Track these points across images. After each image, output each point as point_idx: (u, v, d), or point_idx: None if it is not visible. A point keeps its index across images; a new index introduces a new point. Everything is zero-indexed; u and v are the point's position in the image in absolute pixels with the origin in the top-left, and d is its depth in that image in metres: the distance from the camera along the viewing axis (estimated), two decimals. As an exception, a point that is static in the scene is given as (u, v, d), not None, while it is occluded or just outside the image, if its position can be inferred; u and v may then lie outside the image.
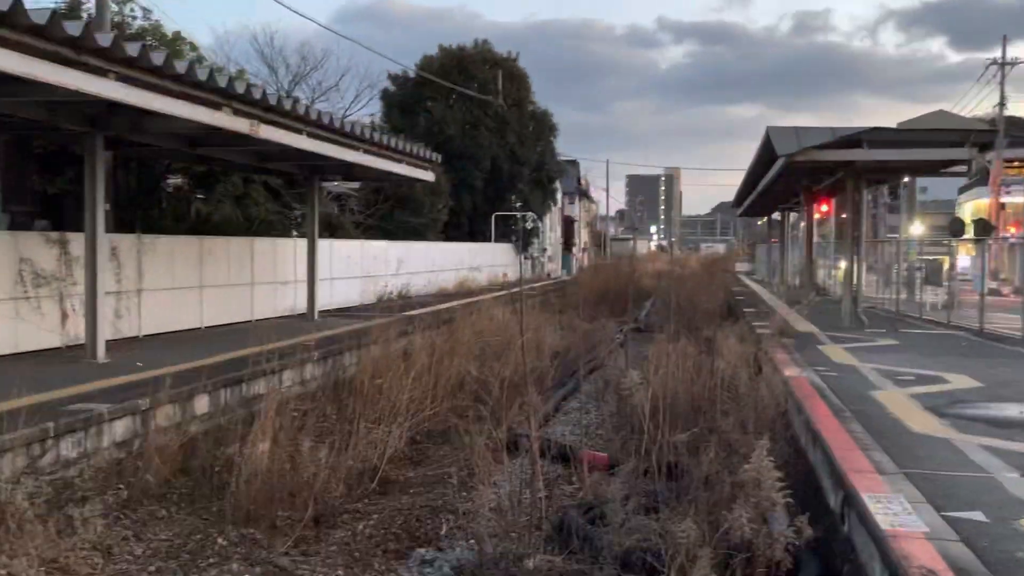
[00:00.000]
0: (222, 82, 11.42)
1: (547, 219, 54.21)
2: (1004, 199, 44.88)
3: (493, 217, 42.83)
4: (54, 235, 13.56)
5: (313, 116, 14.17)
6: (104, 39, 9.37)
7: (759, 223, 75.78)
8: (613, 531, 6.86)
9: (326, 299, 21.60)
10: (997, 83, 45.52)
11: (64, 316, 13.40)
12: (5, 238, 12.93)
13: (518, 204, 43.94)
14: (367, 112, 50.19)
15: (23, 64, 8.49)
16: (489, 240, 42.33)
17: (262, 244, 19.68)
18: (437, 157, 21.21)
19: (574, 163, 69.11)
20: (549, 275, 54.28)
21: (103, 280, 12.65)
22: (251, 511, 8.02)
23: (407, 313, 20.06)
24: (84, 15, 18.01)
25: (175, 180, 21.71)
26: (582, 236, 75.68)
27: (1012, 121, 44.93)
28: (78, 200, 13.68)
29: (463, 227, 41.39)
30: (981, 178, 46.29)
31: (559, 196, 58.99)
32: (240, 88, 11.86)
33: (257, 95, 12.32)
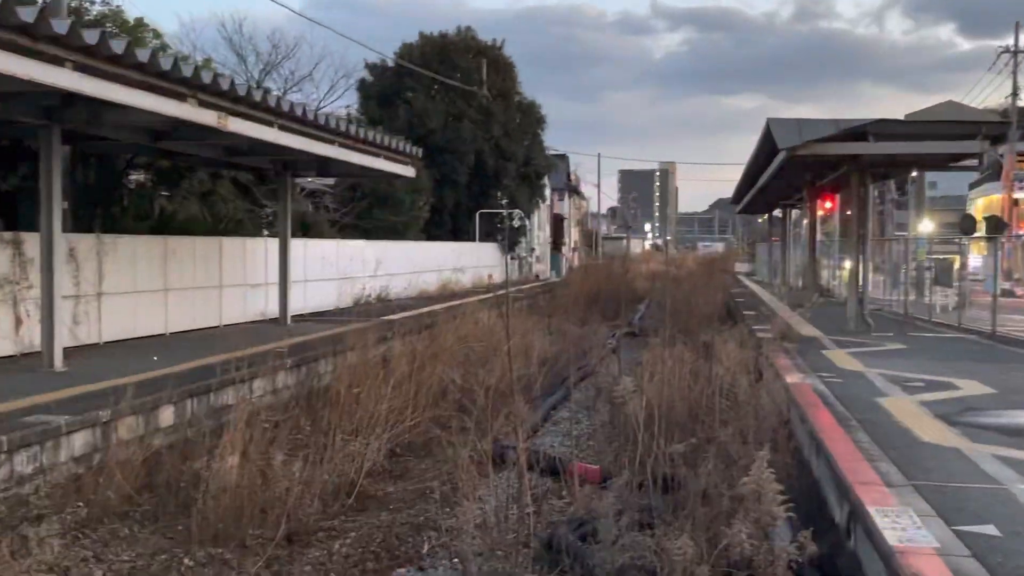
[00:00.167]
0: (187, 72, 11.38)
1: (535, 217, 54.25)
2: (1017, 195, 45.17)
3: (477, 215, 42.82)
4: (7, 235, 13.48)
5: (285, 108, 14.15)
6: (60, 26, 9.32)
7: (759, 220, 76.06)
8: (605, 548, 6.86)
9: (300, 302, 21.55)
10: (1009, 72, 45.83)
11: (18, 322, 13.32)
12: (-45, 238, 12.85)
13: (504, 201, 43.90)
14: (343, 103, 50.26)
15: (-27, 53, 8.45)
16: (473, 239, 42.32)
17: (231, 244, 19.62)
18: (418, 151, 21.20)
19: (563, 157, 69.21)
20: (537, 276, 54.32)
21: (60, 283, 12.57)
22: (220, 529, 7.99)
23: (386, 317, 20.06)
24: (39, 0, 17.92)
25: (137, 176, 21.62)
26: (572, 235, 75.78)
27: (1025, 112, 45.21)
28: (33, 198, 13.59)
29: (446, 225, 41.35)
30: (993, 173, 46.64)
31: (548, 192, 59.05)
32: (207, 78, 11.83)
33: (225, 85, 12.29)
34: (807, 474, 8.59)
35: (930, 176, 58.79)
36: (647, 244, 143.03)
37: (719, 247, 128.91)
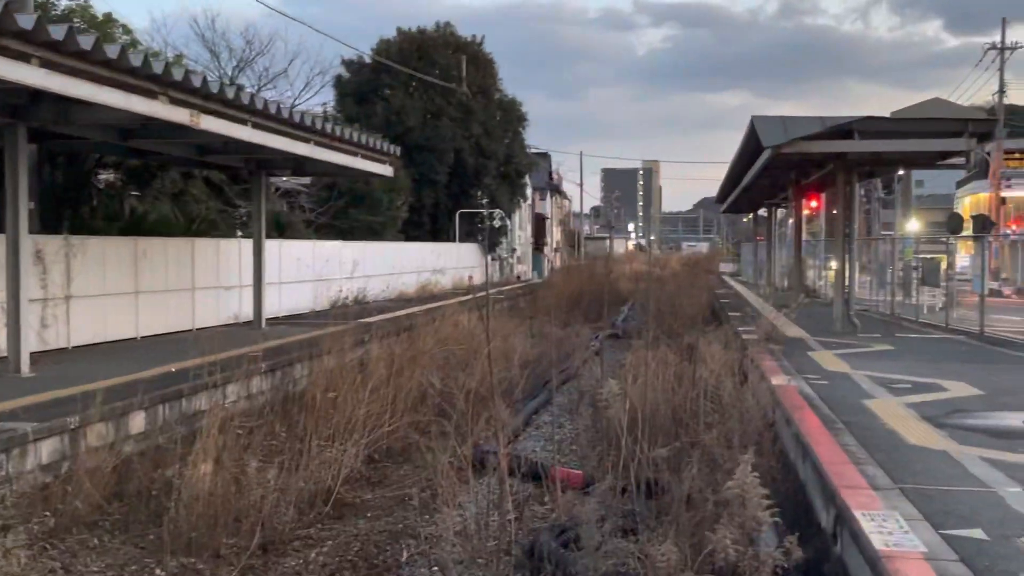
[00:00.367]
0: (158, 68, 11.32)
1: (516, 217, 54.29)
2: (1004, 193, 45.60)
3: (457, 215, 42.80)
4: (-28, 237, 13.37)
5: (259, 105, 14.09)
6: (26, 21, 9.25)
7: (744, 220, 76.37)
8: (588, 555, 6.87)
9: (274, 305, 21.47)
10: (996, 69, 46.23)
11: (-16, 326, 13.21)
12: (-83, 240, 12.72)
13: (484, 201, 43.93)
14: (319, 101, 50.15)
15: (-65, 48, 8.37)
16: (453, 240, 42.30)
17: (203, 245, 19.52)
18: (396, 150, 21.17)
19: (545, 156, 69.28)
20: (519, 277, 54.36)
21: (26, 286, 12.48)
22: (192, 538, 7.95)
23: (364, 320, 20.01)
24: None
25: (107, 176, 21.49)
26: (554, 235, 75.85)
27: (1012, 109, 45.67)
28: (-1, 198, 13.48)
29: (424, 226, 41.31)
30: (980, 171, 47.03)
31: (529, 192, 59.09)
32: (178, 75, 11.76)
33: (197, 82, 12.23)
34: (793, 478, 8.62)
35: (917, 174, 59.23)
36: (630, 244, 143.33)
37: (703, 247, 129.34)
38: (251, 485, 8.55)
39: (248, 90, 21.38)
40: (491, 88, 45.10)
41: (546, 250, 67.50)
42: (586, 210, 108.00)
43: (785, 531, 6.64)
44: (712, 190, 55.83)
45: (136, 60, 10.86)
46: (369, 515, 9.61)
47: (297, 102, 35.76)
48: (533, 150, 54.21)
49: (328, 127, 17.24)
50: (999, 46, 46.29)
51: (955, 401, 10.80)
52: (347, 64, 41.91)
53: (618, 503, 8.33)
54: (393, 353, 14.11)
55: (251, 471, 8.70)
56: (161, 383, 11.42)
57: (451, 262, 39.46)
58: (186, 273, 18.50)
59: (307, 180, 29.46)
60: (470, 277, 39.57)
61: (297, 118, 15.73)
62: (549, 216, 71.62)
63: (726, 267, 66.95)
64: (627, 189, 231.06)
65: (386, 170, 20.90)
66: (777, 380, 11.99)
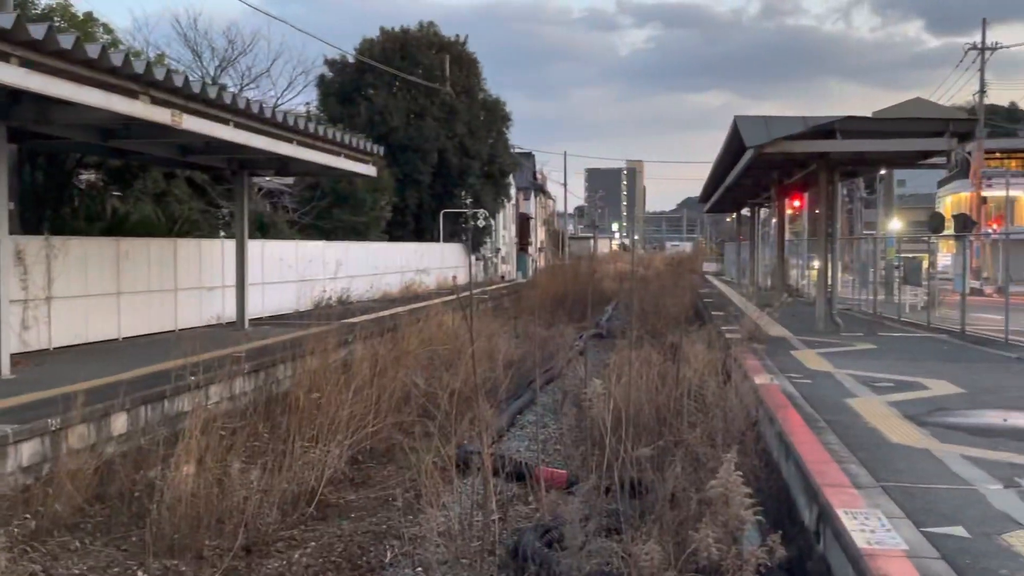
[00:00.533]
0: (139, 68, 11.26)
1: (500, 217, 54.28)
2: (985, 192, 45.87)
3: (441, 215, 42.76)
4: (-49, 238, 13.26)
5: (241, 105, 14.04)
6: (5, 20, 9.20)
7: (728, 219, 76.63)
8: (572, 555, 6.87)
9: (257, 306, 21.40)
10: (977, 69, 46.52)
11: (-37, 327, 13.11)
12: None
13: (468, 201, 43.92)
14: (302, 100, 50.00)
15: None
16: (437, 240, 42.26)
17: (186, 246, 19.44)
18: (379, 149, 21.13)
19: (529, 156, 69.30)
20: (503, 277, 54.37)
21: (7, 287, 12.40)
22: (175, 540, 7.92)
23: (347, 320, 19.96)
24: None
25: (88, 176, 21.37)
26: (538, 235, 75.88)
27: (993, 109, 45.96)
28: (-22, 199, 13.38)
29: (408, 226, 41.24)
30: (961, 170, 47.32)
31: (513, 192, 59.14)
32: (160, 74, 11.71)
33: (179, 82, 12.18)
34: (776, 476, 8.65)
35: (899, 174, 59.57)
36: (614, 244, 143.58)
37: (687, 247, 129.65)
38: (234, 486, 8.51)
39: (230, 90, 21.31)
40: (475, 88, 45.05)
41: (530, 250, 67.53)
42: (570, 210, 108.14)
43: (768, 530, 6.66)
44: (696, 190, 56.03)
45: (117, 59, 10.81)
46: (353, 516, 9.60)
47: (280, 102, 35.74)
48: (517, 150, 54.24)
49: (311, 127, 17.19)
50: (980, 47, 46.58)
51: (937, 399, 10.86)
52: (330, 64, 41.81)
53: (602, 502, 8.33)
54: (377, 353, 14.09)
55: (234, 472, 8.66)
56: (143, 384, 11.37)
57: (435, 262, 39.41)
58: (168, 274, 18.41)
59: (290, 180, 29.38)
60: (454, 277, 39.49)
61: (280, 118, 15.68)
62: (533, 216, 71.66)
63: (709, 267, 67.19)
64: (611, 189, 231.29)
65: (369, 170, 20.87)
66: (760, 379, 12.03)
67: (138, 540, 8.04)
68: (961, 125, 17.87)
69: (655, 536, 6.68)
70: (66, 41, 9.91)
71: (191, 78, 13.14)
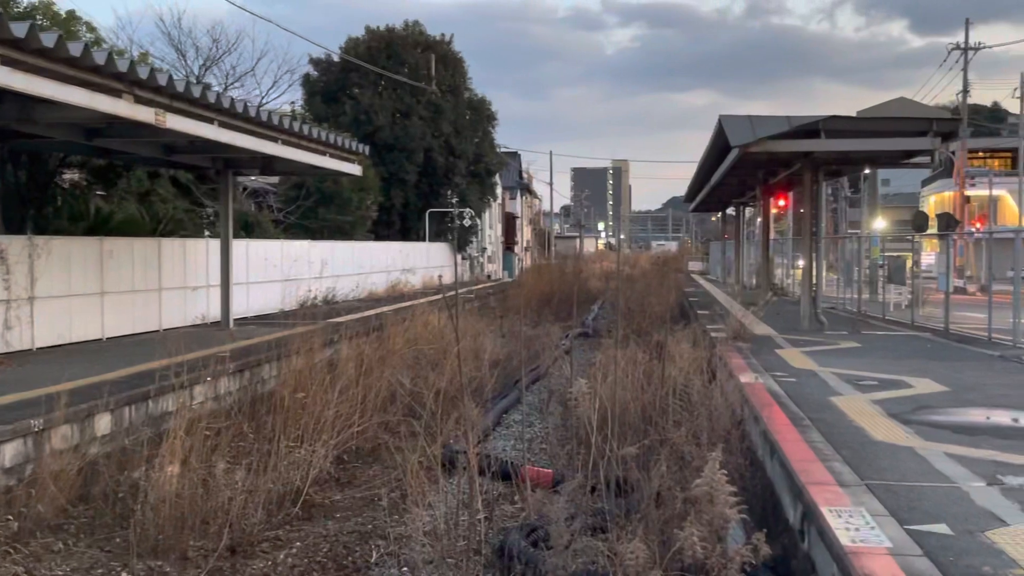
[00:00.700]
0: (123, 66, 11.21)
1: (486, 216, 54.26)
2: (969, 192, 46.14)
3: (427, 214, 42.71)
4: (-67, 237, 13.19)
5: (225, 104, 13.99)
6: (-13, 18, 9.13)
7: (713, 219, 76.81)
8: (558, 554, 6.88)
9: (242, 305, 21.33)
10: (960, 69, 46.78)
11: (-55, 328, 13.03)
12: None
13: (454, 200, 43.88)
14: (287, 99, 49.83)
15: None
16: (423, 239, 42.20)
17: (170, 245, 19.36)
18: (364, 149, 21.10)
19: (515, 155, 69.31)
20: (489, 276, 54.35)
21: (-10, 287, 12.31)
22: (159, 541, 7.89)
23: (333, 320, 19.92)
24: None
25: (71, 175, 21.26)
26: (524, 234, 75.90)
27: (976, 109, 46.19)
28: (-40, 198, 13.32)
29: (394, 225, 41.18)
30: (945, 170, 47.57)
31: (499, 191, 59.13)
32: (143, 73, 11.66)
33: (163, 81, 12.12)
34: (761, 475, 8.68)
35: (883, 173, 59.77)
36: (600, 243, 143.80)
37: (673, 246, 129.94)
38: (219, 486, 8.49)
39: (215, 89, 21.23)
40: (460, 87, 45.00)
41: (516, 249, 67.53)
42: (556, 209, 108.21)
43: (753, 528, 6.68)
44: (681, 189, 56.12)
45: (100, 58, 10.75)
46: (338, 516, 9.58)
47: (265, 101, 35.65)
48: (503, 149, 54.20)
49: (296, 126, 17.15)
50: (963, 47, 46.83)
51: (921, 398, 10.91)
52: (315, 63, 41.71)
53: (588, 501, 8.35)
54: (362, 353, 14.07)
55: (219, 472, 8.64)
56: (127, 385, 11.31)
57: (421, 261, 39.37)
58: (153, 273, 18.33)
59: (275, 180, 29.29)
60: (440, 276, 39.47)
61: (264, 117, 15.64)
62: (519, 215, 71.67)
63: (695, 266, 67.37)
64: (597, 188, 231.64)
65: (355, 169, 20.83)
66: (745, 378, 12.07)
67: (122, 541, 8.01)
68: (944, 125, 17.95)
69: (640, 535, 6.68)
70: (48, 39, 9.85)
71: (175, 77, 13.08)
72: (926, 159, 20.25)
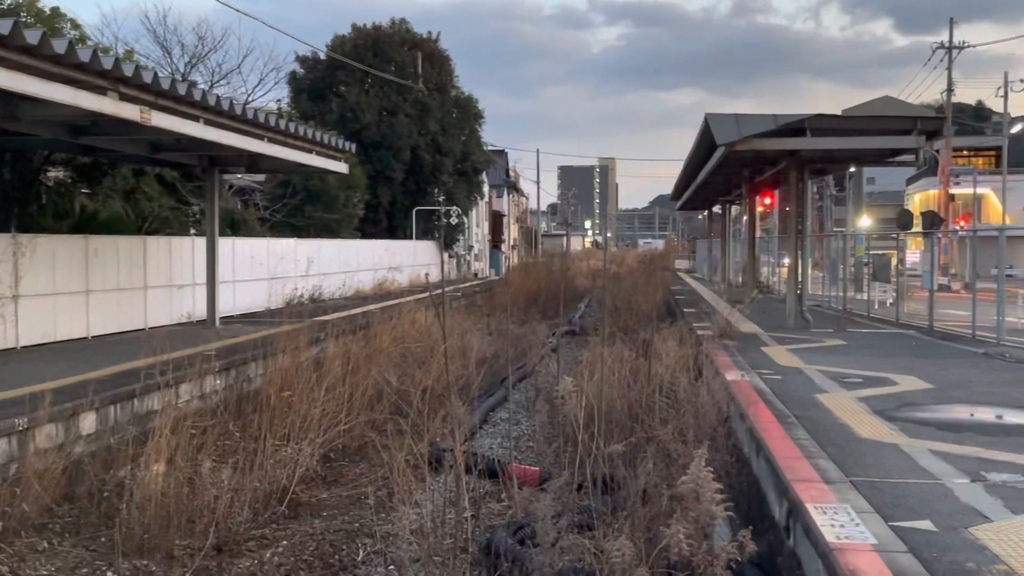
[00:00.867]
0: (108, 64, 11.14)
1: (473, 214, 54.23)
2: (953, 190, 46.38)
3: (414, 212, 42.65)
4: (-84, 235, 13.10)
5: (211, 102, 13.93)
6: (-29, 15, 9.07)
7: (700, 217, 76.94)
8: (544, 551, 6.88)
9: (228, 304, 21.26)
10: (945, 68, 46.99)
11: (-71, 326, 12.95)
12: None
13: (441, 198, 43.83)
14: (273, 97, 49.71)
15: None
16: (410, 237, 42.14)
17: (156, 244, 19.28)
18: (351, 147, 21.04)
19: (502, 153, 69.30)
20: (476, 275, 54.33)
21: (-27, 285, 12.23)
22: (145, 540, 7.86)
23: (319, 318, 19.88)
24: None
25: (56, 173, 21.14)
26: (511, 232, 75.89)
27: (960, 108, 46.40)
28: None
29: (381, 223, 41.11)
30: (930, 168, 47.80)
31: (486, 189, 59.09)
32: (128, 71, 11.59)
33: (148, 78, 12.06)
34: (747, 472, 8.70)
35: (868, 172, 60.01)
36: (587, 241, 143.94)
37: (659, 244, 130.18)
38: (205, 485, 8.46)
39: (200, 86, 21.15)
40: (447, 85, 44.94)
41: (503, 247, 67.52)
42: (543, 207, 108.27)
43: (739, 525, 6.69)
44: (668, 187, 56.24)
45: (85, 55, 10.69)
46: (325, 514, 9.56)
47: (251, 99, 35.50)
48: (490, 147, 54.15)
49: (282, 123, 17.10)
50: (947, 46, 47.04)
51: (905, 395, 10.96)
52: (302, 60, 41.59)
53: (574, 499, 8.35)
54: (349, 351, 14.05)
55: (205, 471, 8.61)
56: (112, 383, 11.26)
57: (408, 259, 39.31)
58: (138, 272, 18.25)
59: (261, 177, 29.21)
60: (427, 274, 39.44)
61: (250, 115, 15.58)
62: (506, 213, 71.66)
63: (681, 264, 67.50)
64: (584, 186, 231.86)
65: (341, 167, 20.78)
66: (731, 375, 12.10)
67: (107, 540, 7.97)
68: (929, 123, 18.03)
69: (627, 532, 6.69)
70: (33, 36, 9.79)
71: (160, 75, 13.01)
72: (911, 157, 20.33)
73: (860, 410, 9.86)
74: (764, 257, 36.15)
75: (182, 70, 33.06)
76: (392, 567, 7.87)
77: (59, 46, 10.25)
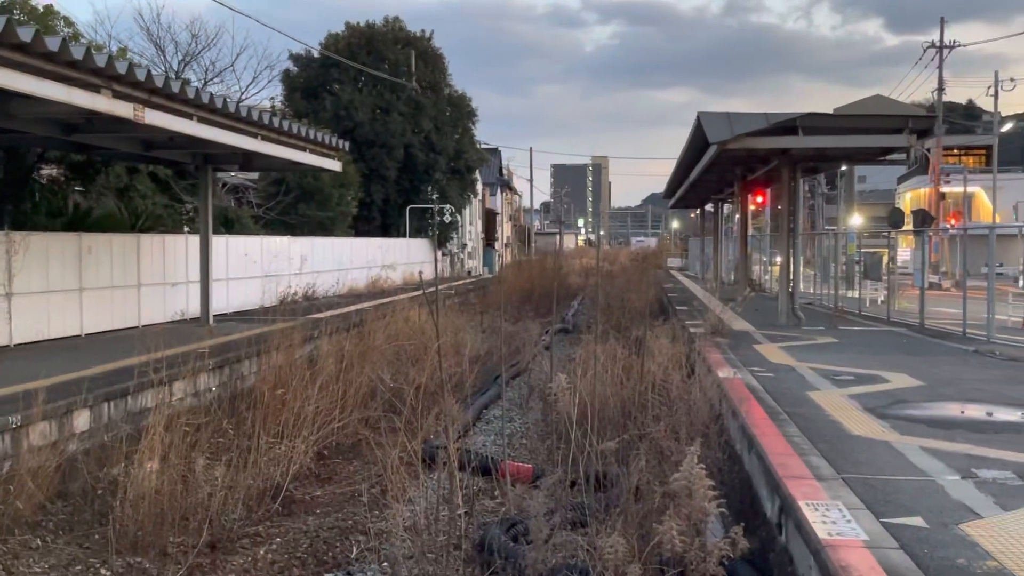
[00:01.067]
0: (101, 62, 11.10)
1: (466, 212, 54.18)
2: (944, 188, 46.48)
3: (408, 210, 42.59)
4: (-91, 233, 13.04)
5: (205, 99, 13.90)
6: (-36, 12, 9.03)
7: (692, 215, 77.02)
8: (537, 548, 6.88)
9: (222, 301, 21.22)
10: (935, 67, 47.08)
11: (-78, 324, 12.90)
12: None
13: (435, 196, 43.76)
14: (266, 95, 49.60)
15: None
16: (403, 235, 42.09)
17: (149, 241, 19.23)
18: (345, 144, 21.01)
19: (495, 152, 69.22)
20: (470, 272, 54.30)
21: (-33, 283, 12.19)
22: (139, 537, 7.84)
23: (313, 316, 19.86)
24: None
25: (49, 171, 21.07)
26: (505, 230, 75.87)
27: (951, 107, 46.50)
28: (-63, 193, 13.17)
29: (375, 221, 41.06)
30: (921, 166, 47.90)
31: (479, 187, 59.01)
32: (122, 68, 11.55)
33: (141, 76, 12.02)
34: (739, 469, 8.72)
35: (859, 170, 60.22)
36: (580, 239, 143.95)
37: (652, 242, 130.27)
38: (198, 483, 8.45)
39: (194, 84, 21.10)
40: (441, 83, 44.90)
41: (497, 245, 67.48)
42: (536, 205, 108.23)
43: (731, 521, 6.71)
44: (660, 186, 56.27)
45: (78, 53, 10.65)
46: (318, 511, 9.55)
47: (244, 97, 35.36)
48: (483, 146, 54.10)
49: (276, 121, 17.06)
50: (938, 45, 47.14)
51: (896, 392, 10.99)
52: (295, 58, 41.53)
53: (567, 496, 8.36)
54: (343, 349, 14.03)
55: (198, 468, 8.60)
56: (106, 381, 11.24)
57: (401, 257, 39.26)
58: (132, 269, 18.21)
59: (255, 175, 29.13)
60: (420, 272, 39.39)
61: (244, 113, 15.54)
62: (499, 211, 71.62)
63: (674, 262, 67.56)
64: (576, 185, 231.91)
65: (334, 165, 20.75)
66: (723, 373, 12.11)
67: (101, 538, 7.95)
68: (920, 122, 18.07)
69: (620, 529, 6.71)
70: (26, 34, 9.75)
71: (154, 73, 12.97)
72: (902, 156, 20.39)
73: (851, 407, 9.88)
74: (756, 255, 36.19)
75: (176, 68, 32.94)
76: (385, 564, 7.87)
77: (52, 44, 10.21)
